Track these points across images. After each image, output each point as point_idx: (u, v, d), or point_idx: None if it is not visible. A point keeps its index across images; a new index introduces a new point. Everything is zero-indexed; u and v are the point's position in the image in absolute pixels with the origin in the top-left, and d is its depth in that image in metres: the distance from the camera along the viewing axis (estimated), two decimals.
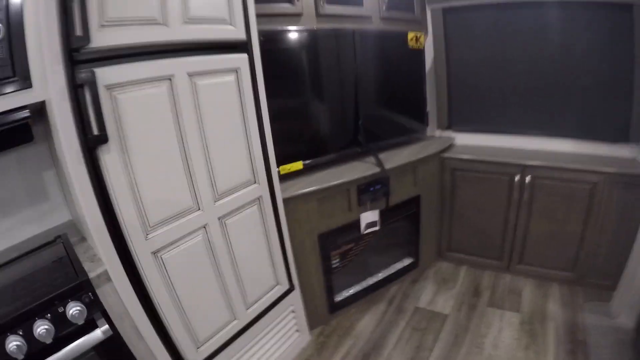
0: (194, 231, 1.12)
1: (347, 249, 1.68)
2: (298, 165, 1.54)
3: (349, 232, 1.64)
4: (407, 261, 2.00)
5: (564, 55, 1.70)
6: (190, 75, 1.04)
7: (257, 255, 1.32)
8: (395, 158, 1.74)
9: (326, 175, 1.58)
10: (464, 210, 1.96)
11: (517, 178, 1.73)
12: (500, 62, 1.86)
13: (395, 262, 1.98)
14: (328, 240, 1.59)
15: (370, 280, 1.86)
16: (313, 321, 1.69)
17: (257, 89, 1.22)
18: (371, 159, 1.72)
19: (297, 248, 1.51)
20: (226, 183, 1.17)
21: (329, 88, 1.62)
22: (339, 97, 1.65)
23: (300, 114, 1.56)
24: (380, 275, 1.90)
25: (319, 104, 1.61)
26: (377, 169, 1.60)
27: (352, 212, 1.62)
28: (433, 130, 2.16)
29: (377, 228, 1.68)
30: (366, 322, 1.73)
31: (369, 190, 1.62)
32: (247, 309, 1.32)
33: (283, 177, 1.51)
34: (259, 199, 1.28)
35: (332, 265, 1.65)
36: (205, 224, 1.14)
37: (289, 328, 1.52)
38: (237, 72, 1.16)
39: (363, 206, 1.63)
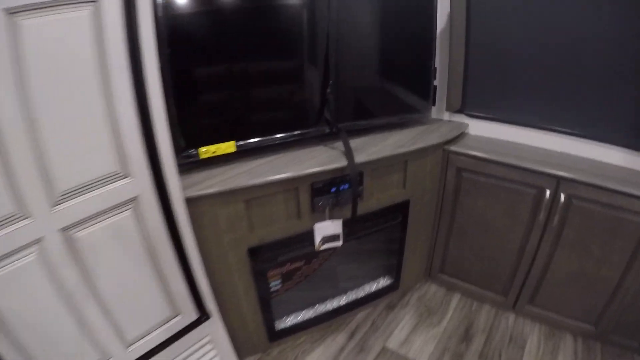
0: (20, 249, 0.71)
1: (293, 268, 1.24)
2: (229, 146, 1.07)
3: (297, 246, 1.19)
4: (383, 281, 1.55)
5: (625, 35, 1.11)
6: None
7: (136, 281, 0.89)
8: (378, 146, 1.23)
9: (270, 163, 1.11)
10: (468, 225, 1.45)
11: (547, 194, 1.20)
12: (539, 34, 1.26)
13: (367, 282, 1.53)
14: (263, 257, 1.15)
15: (329, 305, 1.43)
16: (246, 349, 1.30)
17: (136, 30, 0.74)
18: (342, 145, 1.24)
19: (216, 265, 1.08)
20: (72, 177, 0.73)
21: (284, 39, 1.10)
22: (299, 53, 1.14)
23: (237, 76, 1.06)
24: (343, 299, 1.46)
25: (266, 61, 1.10)
26: (345, 161, 1.12)
27: (302, 220, 1.16)
28: (440, 111, 1.60)
29: (339, 244, 1.23)
30: (317, 356, 1.33)
31: (328, 192, 1.15)
32: (128, 347, 0.93)
33: (206, 162, 1.06)
34: (133, 200, 0.84)
35: (270, 287, 1.22)
36: (39, 239, 0.73)
37: None
38: (95, 4, 0.70)
39: (319, 213, 1.17)
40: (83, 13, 0.69)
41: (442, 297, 1.59)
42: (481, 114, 1.47)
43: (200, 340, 1.09)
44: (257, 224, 1.09)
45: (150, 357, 0.97)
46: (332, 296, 1.45)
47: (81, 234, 0.78)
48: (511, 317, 1.47)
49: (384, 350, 1.35)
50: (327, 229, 1.19)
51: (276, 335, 1.33)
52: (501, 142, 1.42)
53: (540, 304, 1.41)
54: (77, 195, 0.76)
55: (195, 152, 1.02)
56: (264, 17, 1.04)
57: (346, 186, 1.17)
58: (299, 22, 1.09)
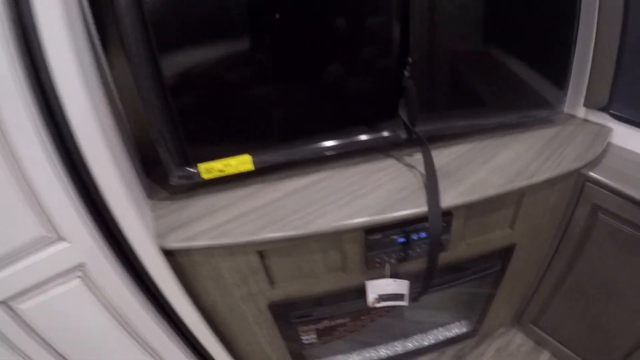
0: None
1: (335, 324, 0.91)
2: (243, 162, 0.70)
3: (340, 302, 0.84)
4: (458, 328, 1.15)
5: None
6: None
7: (113, 349, 0.67)
8: (482, 170, 0.74)
9: (304, 191, 0.72)
10: (587, 283, 0.96)
11: None
12: None
13: (437, 327, 1.15)
14: (290, 314, 0.83)
15: (379, 351, 1.11)
16: None
17: (31, 31, 0.38)
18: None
19: (228, 317, 0.81)
20: None
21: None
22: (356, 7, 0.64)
23: (254, 49, 0.63)
24: (395, 349, 1.12)
25: (301, 24, 0.63)
26: (424, 203, 0.67)
27: (350, 275, 0.78)
28: (573, 104, 0.95)
29: (403, 304, 0.84)
30: None
31: (393, 244, 0.73)
32: None
33: (215, 182, 0.73)
34: (80, 268, 0.56)
35: (303, 341, 0.93)
36: None
37: None
38: None
39: (375, 270, 0.77)
40: None
41: (528, 353, 1.15)
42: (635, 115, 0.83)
43: None
44: (280, 278, 0.76)
45: None
46: (387, 342, 1.11)
47: (25, 305, 0.55)
48: None
49: None
50: (385, 287, 0.80)
51: None
52: None
53: None
54: (8, 264, 0.51)
55: (194, 171, 0.68)
56: None
57: (423, 234, 0.73)
58: None
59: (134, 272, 0.62)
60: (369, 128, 0.74)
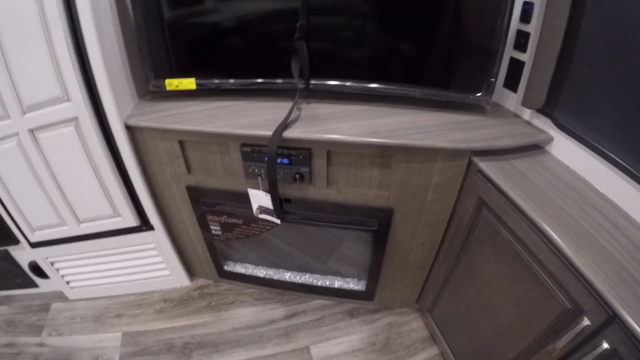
0: (6, 138, 1.03)
1: (231, 222, 1.22)
2: (189, 83, 1.08)
3: (235, 202, 1.15)
4: (354, 284, 1.33)
5: None
6: None
7: (82, 180, 1.12)
8: (352, 122, 0.97)
9: (221, 109, 1.06)
10: (468, 285, 1.01)
11: (583, 323, 0.65)
12: None
13: (336, 275, 1.34)
14: (200, 199, 1.18)
15: (283, 274, 1.36)
16: (198, 271, 1.48)
17: None
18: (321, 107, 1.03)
19: (162, 190, 1.20)
20: (33, 96, 0.97)
21: None
22: None
23: (205, 11, 1.00)
24: (297, 278, 1.35)
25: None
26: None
27: (237, 179, 1.10)
28: (518, 105, 1.03)
29: (276, 221, 1.11)
30: (247, 314, 1.35)
31: (261, 160, 1.02)
32: (80, 224, 1.23)
33: (176, 95, 1.12)
34: (75, 120, 1.01)
35: (212, 230, 1.26)
36: (17, 133, 1.03)
37: (152, 262, 1.37)
38: None
39: (251, 180, 1.07)
40: None
41: (417, 341, 1.23)
42: (577, 131, 0.85)
43: (145, 244, 1.30)
44: (194, 167, 1.12)
45: (98, 238, 1.26)
46: (286, 267, 1.36)
47: (42, 135, 1.04)
48: None
49: (304, 350, 1.22)
50: (261, 199, 1.09)
51: (225, 274, 1.40)
52: (583, 189, 0.82)
53: None
54: (38, 109, 0.99)
55: (162, 84, 1.09)
56: None
57: (285, 161, 1.00)
58: None
59: (106, 136, 1.05)
60: (272, 74, 1.04)
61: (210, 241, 1.30)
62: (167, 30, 1.01)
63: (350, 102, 1.07)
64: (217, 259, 1.37)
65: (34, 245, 1.29)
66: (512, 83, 1.02)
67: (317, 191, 1.08)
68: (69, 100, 0.98)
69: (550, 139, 0.93)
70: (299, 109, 1.05)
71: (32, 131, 1.02)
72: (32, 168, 1.09)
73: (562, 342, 0.69)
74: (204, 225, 1.25)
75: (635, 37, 0.70)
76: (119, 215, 1.21)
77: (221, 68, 1.07)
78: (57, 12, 0.86)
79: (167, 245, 1.32)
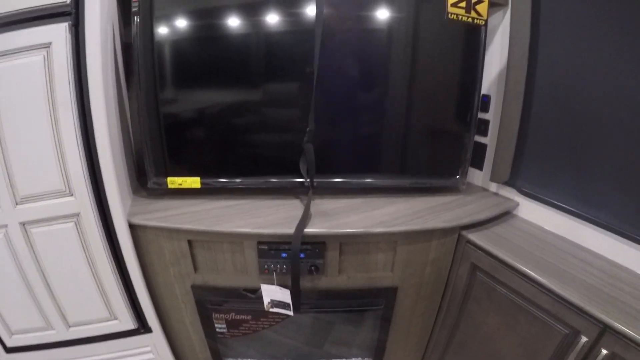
0: None
1: (240, 319, 1.16)
2: (194, 182, 1.08)
3: (245, 299, 1.11)
4: None
5: None
6: None
7: (76, 279, 1.02)
8: (360, 215, 1.03)
9: (229, 208, 1.06)
10: (472, 341, 1.09)
11: (582, 342, 0.78)
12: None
13: (332, 358, 1.30)
14: (206, 298, 1.12)
15: None
16: None
17: (83, 71, 0.83)
18: (325, 202, 1.08)
19: (163, 290, 1.12)
20: (29, 187, 0.90)
21: (270, 78, 1.02)
22: (280, 95, 1.03)
23: (208, 114, 1.04)
24: None
25: (235, 95, 1.03)
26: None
27: (250, 276, 1.07)
28: (487, 180, 1.20)
29: (289, 313, 1.08)
30: None
31: (278, 257, 1.01)
32: (69, 327, 1.10)
33: (176, 192, 1.11)
34: (76, 216, 0.95)
35: (216, 328, 1.19)
36: (6, 225, 0.93)
37: None
38: (47, 49, 0.81)
39: (266, 275, 1.05)
40: (37, 57, 0.81)
41: None
42: (538, 194, 1.08)
43: (140, 348, 1.18)
44: (201, 266, 1.07)
45: (89, 343, 1.12)
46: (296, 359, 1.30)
47: (36, 230, 0.95)
48: None
49: None
50: (275, 293, 1.06)
51: None
52: (554, 239, 1.03)
53: None
54: (34, 201, 0.92)
55: (163, 181, 1.08)
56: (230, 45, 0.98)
57: (302, 255, 1.01)
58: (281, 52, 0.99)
59: (108, 234, 0.99)
60: (279, 174, 1.08)
61: (213, 339, 1.21)
62: (165, 128, 1.02)
63: (349, 195, 1.14)
64: (219, 358, 1.27)
65: (10, 350, 1.12)
66: (477, 162, 1.23)
67: (328, 280, 1.08)
68: (71, 194, 0.93)
69: (516, 204, 1.15)
70: (307, 206, 1.08)
71: (23, 225, 0.94)
72: (19, 264, 0.98)
73: None
74: (208, 324, 1.17)
75: (579, 114, 0.94)
76: (116, 318, 1.10)
77: (227, 167, 1.09)
78: (69, 95, 0.84)
79: (165, 348, 1.20)
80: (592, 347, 0.76)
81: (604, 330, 0.74)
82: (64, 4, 0.79)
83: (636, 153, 0.84)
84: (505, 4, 1.09)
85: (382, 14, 1.00)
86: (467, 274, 1.06)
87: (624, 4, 0.82)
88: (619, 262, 0.91)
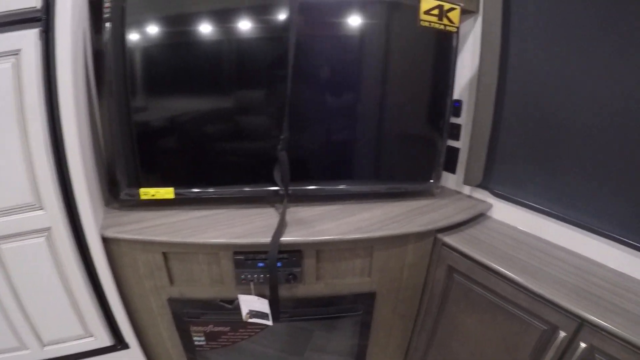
0: None
1: (218, 331, 1.15)
2: (167, 192, 1.07)
3: (223, 310, 1.10)
4: None
5: None
6: None
7: (49, 296, 1.00)
8: (337, 222, 1.03)
9: (204, 218, 1.05)
10: (452, 342, 1.11)
11: (560, 337, 0.80)
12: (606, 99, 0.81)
13: None
14: (183, 311, 1.10)
15: None
16: None
17: (53, 79, 0.83)
18: (301, 210, 1.08)
19: (139, 304, 1.10)
20: None
21: (239, 88, 1.02)
22: (255, 105, 1.03)
23: (180, 122, 1.04)
24: None
25: (209, 104, 1.04)
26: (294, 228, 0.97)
27: (226, 287, 1.06)
28: (460, 183, 1.21)
29: (268, 323, 1.07)
30: None
31: (254, 267, 1.01)
32: (44, 347, 1.07)
33: (149, 204, 1.10)
34: (47, 231, 0.93)
35: (194, 341, 1.17)
36: None
37: None
38: (16, 56, 0.80)
39: (243, 286, 1.04)
40: (6, 65, 0.79)
41: None
42: (511, 196, 1.12)
43: None
44: (177, 278, 1.06)
45: None
46: None
47: (5, 246, 0.93)
48: None
49: None
50: (253, 303, 1.05)
51: None
52: (527, 239, 1.06)
53: None
54: (1, 216, 0.90)
55: (136, 192, 1.06)
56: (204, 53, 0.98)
57: (279, 264, 1.00)
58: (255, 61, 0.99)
59: (81, 248, 0.97)
60: (250, 182, 1.08)
61: (192, 353, 1.19)
62: (137, 137, 1.01)
63: (325, 203, 1.15)
64: None
65: None
66: (450, 166, 1.26)
67: (306, 288, 1.07)
68: (41, 208, 0.91)
69: (490, 206, 1.17)
70: (283, 214, 1.08)
71: None
72: None
73: (549, 357, 0.82)
74: (186, 337, 1.15)
75: (548, 118, 0.97)
76: (91, 335, 1.08)
77: (201, 177, 1.08)
78: (39, 103, 0.81)
79: None
80: (571, 342, 0.79)
81: (582, 325, 0.76)
82: (34, 9, 0.78)
83: (602, 154, 0.86)
84: (476, 11, 1.11)
85: (355, 21, 1.01)
86: (444, 276, 1.07)
87: (590, 11, 0.85)
88: (592, 257, 0.94)
